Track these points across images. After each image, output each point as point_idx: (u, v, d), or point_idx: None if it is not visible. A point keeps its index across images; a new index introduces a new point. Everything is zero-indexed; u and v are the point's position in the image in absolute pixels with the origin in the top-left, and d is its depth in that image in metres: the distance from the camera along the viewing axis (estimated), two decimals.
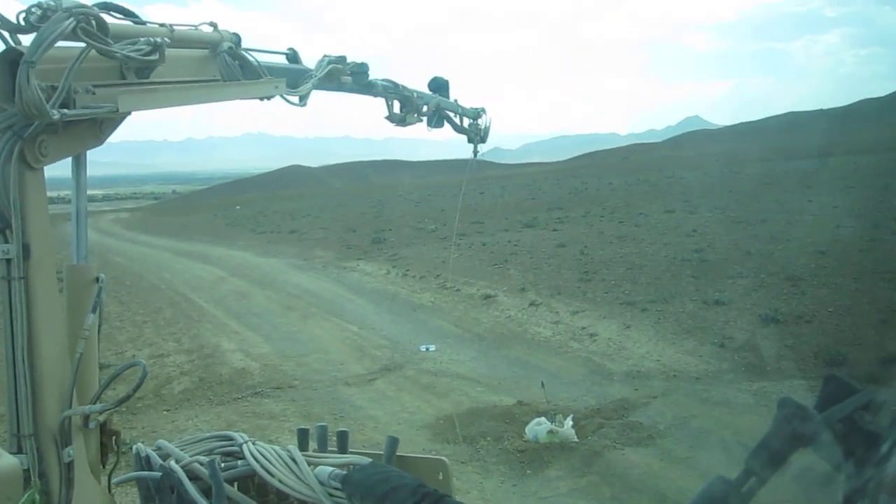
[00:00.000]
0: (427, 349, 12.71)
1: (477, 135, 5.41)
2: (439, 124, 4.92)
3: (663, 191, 35.34)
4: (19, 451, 2.12)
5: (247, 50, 3.03)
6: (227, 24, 3.02)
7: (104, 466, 2.45)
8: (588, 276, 16.27)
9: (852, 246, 16.42)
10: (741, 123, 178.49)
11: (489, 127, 5.54)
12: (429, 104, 4.60)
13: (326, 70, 3.49)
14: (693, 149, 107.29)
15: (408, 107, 4.37)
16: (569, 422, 8.63)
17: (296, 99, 3.27)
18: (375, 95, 4.15)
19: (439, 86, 4.86)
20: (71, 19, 1.99)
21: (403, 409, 10.00)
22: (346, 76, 3.71)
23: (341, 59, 3.62)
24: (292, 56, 3.58)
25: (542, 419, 8.71)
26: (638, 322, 12.91)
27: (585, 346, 12.28)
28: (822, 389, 0.97)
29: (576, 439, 8.43)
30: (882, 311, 11.86)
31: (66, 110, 2.02)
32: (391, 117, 4.35)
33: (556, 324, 13.60)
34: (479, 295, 16.25)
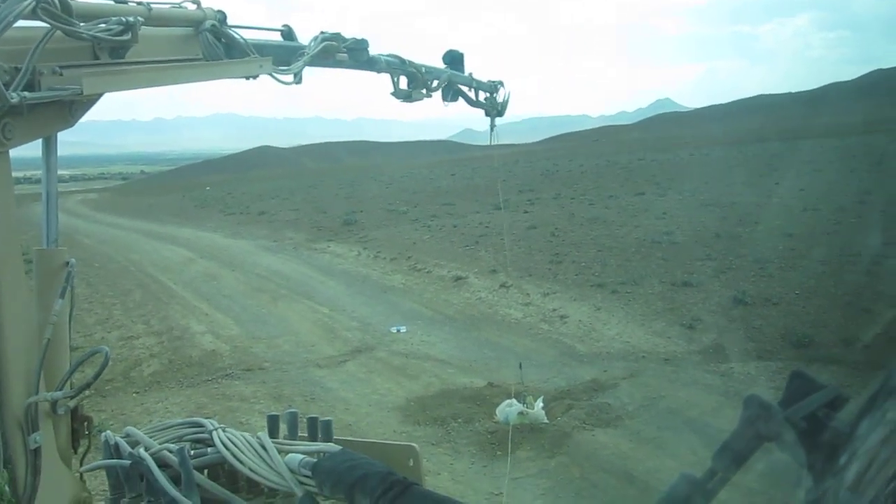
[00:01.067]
0: (398, 331, 12.73)
1: (494, 109, 5.29)
2: (454, 98, 4.79)
3: (634, 173, 35.51)
4: None
5: (236, 27, 2.96)
6: (210, 2, 2.94)
7: (76, 452, 2.43)
8: (559, 258, 16.35)
9: (819, 229, 16.63)
10: (711, 106, 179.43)
11: (508, 101, 5.40)
12: (439, 79, 4.44)
13: (321, 47, 3.36)
14: (663, 131, 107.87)
15: (415, 82, 4.21)
16: (539, 403, 8.69)
17: (288, 78, 3.14)
18: (378, 72, 3.97)
19: (454, 59, 4.73)
20: (30, 0, 1.95)
21: (374, 390, 10.02)
22: (342, 53, 3.58)
23: (337, 36, 3.48)
24: (287, 33, 3.45)
25: (513, 401, 8.75)
26: (608, 304, 13.01)
27: (556, 328, 12.35)
28: (788, 386, 0.98)
29: (546, 420, 8.49)
30: (847, 293, 12.02)
31: (26, 93, 1.98)
32: (396, 93, 4.17)
33: (526, 305, 13.67)
34: (449, 277, 16.29)
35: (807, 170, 28.96)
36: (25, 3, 1.94)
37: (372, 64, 3.84)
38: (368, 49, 3.70)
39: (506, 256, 16.72)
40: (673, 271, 14.27)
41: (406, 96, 4.20)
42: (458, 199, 28.76)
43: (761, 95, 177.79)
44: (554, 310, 13.17)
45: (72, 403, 2.37)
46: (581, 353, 11.14)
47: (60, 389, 2.28)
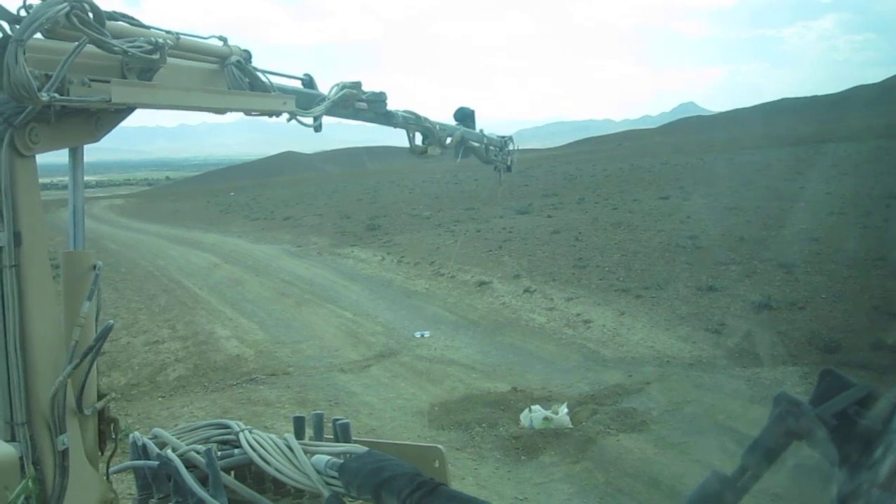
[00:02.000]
0: (422, 335, 12.73)
1: (503, 164, 5.31)
2: (466, 155, 4.82)
3: (658, 177, 35.37)
4: (13, 439, 2.13)
5: (259, 70, 3.01)
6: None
7: (102, 454, 2.45)
8: (582, 263, 16.30)
9: (845, 233, 16.47)
10: (735, 110, 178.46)
11: (515, 157, 5.45)
12: (452, 136, 4.47)
13: (340, 95, 3.40)
14: (687, 135, 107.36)
15: (430, 138, 4.25)
16: (563, 408, 8.66)
17: (309, 120, 3.19)
18: (395, 126, 4.01)
19: (465, 116, 4.79)
20: (65, 4, 1.97)
21: (398, 395, 10.02)
22: (361, 103, 3.62)
23: (356, 85, 3.52)
24: (308, 81, 3.49)
25: (538, 406, 8.74)
26: (632, 308, 12.95)
27: (580, 333, 12.31)
28: (818, 384, 0.97)
29: (570, 425, 8.46)
30: (874, 298, 11.91)
31: (56, 95, 1.99)
32: (413, 150, 4.25)
33: (550, 310, 13.63)
34: (473, 282, 16.27)
35: (832, 173, 28.74)
36: (59, 6, 1.96)
37: (389, 118, 3.89)
38: (386, 102, 3.74)
39: (529, 261, 16.70)
40: (697, 275, 14.18)
41: (422, 152, 4.26)
42: (481, 203, 28.74)
43: (785, 99, 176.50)
44: (578, 314, 13.12)
45: (99, 405, 2.40)
46: (605, 357, 11.10)
47: (83, 387, 2.29)
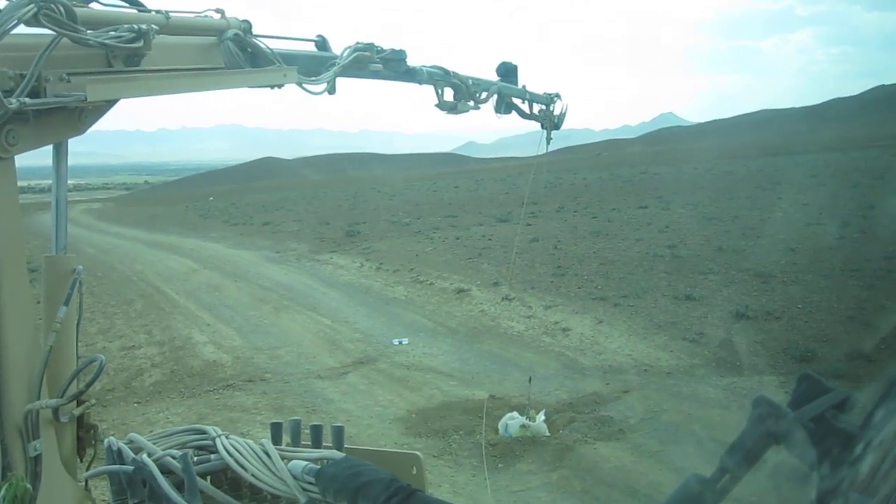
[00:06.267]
0: (400, 343, 12.71)
1: (549, 121, 5.17)
2: (507, 111, 4.66)
3: (637, 187, 35.54)
4: None
5: (263, 37, 2.88)
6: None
7: (82, 460, 2.42)
8: (561, 271, 16.34)
9: (822, 243, 16.60)
10: (715, 120, 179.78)
11: (565, 113, 5.28)
12: (488, 90, 4.33)
13: (353, 57, 3.27)
14: (667, 145, 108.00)
15: (460, 94, 4.10)
16: (541, 416, 8.67)
17: (319, 88, 3.07)
18: (420, 83, 3.85)
19: (508, 70, 4.62)
20: (31, 6, 1.93)
21: (376, 402, 10.00)
22: (376, 64, 3.48)
23: (370, 46, 3.39)
24: (321, 43, 3.38)
25: (515, 413, 8.74)
26: (610, 317, 12.99)
27: (558, 341, 12.32)
28: (796, 388, 0.98)
29: (547, 433, 8.47)
30: (850, 308, 12.01)
31: (27, 99, 1.95)
32: (441, 105, 4.04)
33: (529, 318, 13.65)
34: (452, 289, 16.27)
35: (810, 184, 28.98)
36: (26, 8, 1.92)
37: (412, 75, 3.74)
38: (406, 60, 3.60)
39: (509, 269, 16.72)
40: (676, 285, 14.25)
41: (451, 108, 4.09)
42: (460, 211, 28.77)
43: (764, 110, 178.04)
44: (556, 322, 13.15)
45: (77, 412, 2.37)
46: (583, 365, 11.12)
47: (61, 396, 2.27)
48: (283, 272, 20.74)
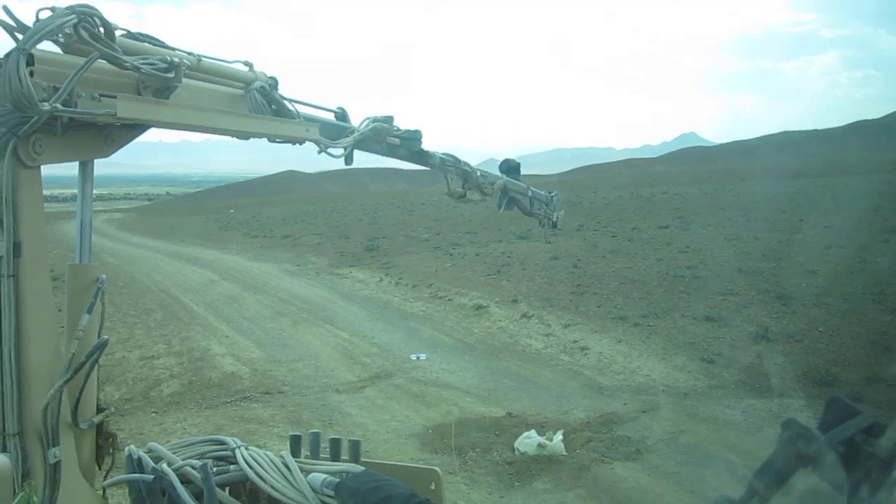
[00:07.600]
0: (418, 358, 12.71)
1: (549, 220, 5.22)
2: (509, 206, 4.75)
3: (657, 206, 35.41)
4: (3, 449, 2.11)
5: (287, 99, 2.93)
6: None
7: (100, 468, 2.44)
8: (580, 290, 16.28)
9: (843, 267, 16.46)
10: (736, 141, 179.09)
11: (563, 214, 5.37)
12: (494, 184, 4.42)
13: (370, 128, 3.34)
14: (688, 165, 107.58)
15: (469, 183, 4.18)
16: (558, 435, 8.64)
17: (337, 151, 3.14)
18: (432, 167, 3.95)
19: (510, 168, 4.74)
20: (72, 16, 1.96)
21: (392, 417, 9.99)
22: (393, 139, 3.54)
23: (388, 119, 3.46)
24: (340, 114, 3.43)
25: (532, 432, 8.71)
26: (629, 337, 12.93)
27: (576, 360, 12.28)
28: (826, 411, 0.98)
29: (564, 452, 8.43)
30: (871, 332, 11.91)
31: (59, 105, 1.97)
32: (451, 193, 4.16)
33: (547, 336, 13.61)
34: (471, 305, 16.26)
35: (831, 207, 28.76)
36: (66, 18, 1.96)
37: (425, 158, 3.81)
38: (421, 140, 3.67)
39: (528, 286, 16.68)
40: (695, 305, 14.17)
41: (460, 196, 4.18)
42: (480, 227, 28.75)
43: (786, 132, 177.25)
44: (575, 341, 13.10)
45: (96, 419, 2.38)
46: (601, 385, 11.07)
47: (78, 401, 2.28)
48: (303, 285, 20.80)
